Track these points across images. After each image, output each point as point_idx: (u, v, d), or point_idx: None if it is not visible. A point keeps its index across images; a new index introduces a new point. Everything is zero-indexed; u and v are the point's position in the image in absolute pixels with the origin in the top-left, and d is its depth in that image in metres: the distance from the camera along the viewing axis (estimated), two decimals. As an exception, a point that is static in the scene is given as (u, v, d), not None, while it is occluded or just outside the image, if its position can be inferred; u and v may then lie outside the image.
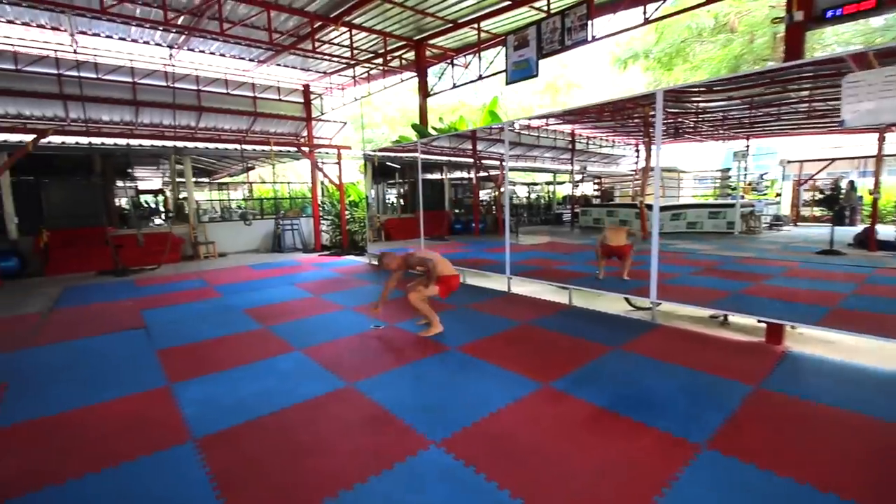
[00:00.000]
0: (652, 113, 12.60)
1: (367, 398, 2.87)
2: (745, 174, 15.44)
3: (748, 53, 13.33)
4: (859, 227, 11.57)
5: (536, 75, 6.45)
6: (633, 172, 20.11)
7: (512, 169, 16.85)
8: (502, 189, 16.01)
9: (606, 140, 18.54)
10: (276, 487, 2.03)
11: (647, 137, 12.58)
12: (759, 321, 4.09)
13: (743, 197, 13.90)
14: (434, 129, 11.13)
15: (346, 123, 13.65)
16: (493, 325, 4.41)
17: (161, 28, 8.06)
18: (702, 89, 7.90)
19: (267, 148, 10.87)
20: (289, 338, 4.16)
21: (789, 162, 17.66)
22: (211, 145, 10.76)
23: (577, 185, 18.92)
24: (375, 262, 8.77)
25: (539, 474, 2.07)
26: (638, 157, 19.88)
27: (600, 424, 2.51)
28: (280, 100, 12.02)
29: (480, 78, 9.39)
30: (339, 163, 11.04)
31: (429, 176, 15.26)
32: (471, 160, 14.36)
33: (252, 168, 16.84)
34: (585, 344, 3.83)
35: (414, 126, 10.41)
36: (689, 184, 20.24)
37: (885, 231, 9.69)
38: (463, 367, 3.37)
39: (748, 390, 2.89)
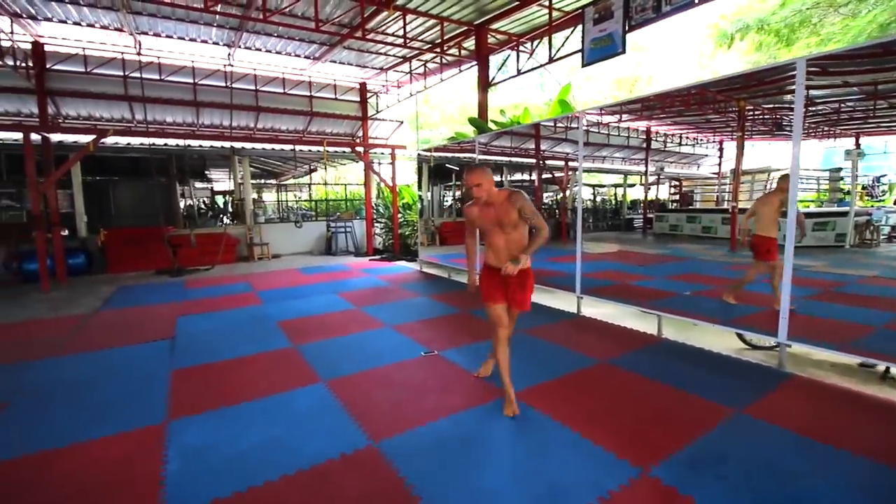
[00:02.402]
0: (749, 106, 10.93)
1: (392, 470, 2.13)
2: (858, 177, 13.14)
3: None
4: None
5: (623, 52, 5.42)
6: (716, 175, 18.05)
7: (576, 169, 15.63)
8: (567, 191, 14.83)
9: (687, 138, 16.72)
10: None
11: (741, 132, 10.93)
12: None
13: (851, 203, 11.76)
14: (494, 122, 10.30)
15: (401, 122, 13.19)
16: (562, 362, 3.52)
17: (214, 25, 7.95)
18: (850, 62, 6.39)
19: (322, 149, 10.62)
20: (316, 363, 3.54)
21: (912, 162, 14.92)
22: (267, 146, 10.68)
23: (650, 188, 17.23)
24: (426, 270, 8.12)
25: None
26: (721, 156, 17.81)
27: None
28: (336, 99, 11.78)
29: (551, 61, 8.40)
30: (392, 163, 10.54)
31: (487, 177, 14.46)
32: (533, 160, 13.37)
33: (315, 170, 16.96)
34: (692, 400, 2.85)
35: (471, 120, 9.64)
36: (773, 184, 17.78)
37: None
38: (523, 428, 2.54)
39: (985, 512, 1.81)
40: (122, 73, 9.03)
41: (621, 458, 2.21)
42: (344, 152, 11.65)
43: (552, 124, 12.66)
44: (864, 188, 14.17)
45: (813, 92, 9.51)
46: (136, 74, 9.25)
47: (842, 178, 13.70)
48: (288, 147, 10.51)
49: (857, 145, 13.24)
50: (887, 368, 3.37)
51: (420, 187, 10.83)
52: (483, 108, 9.29)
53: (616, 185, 19.30)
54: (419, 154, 9.94)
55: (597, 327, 4.55)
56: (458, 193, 14.14)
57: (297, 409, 2.79)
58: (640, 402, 2.83)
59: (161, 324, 4.80)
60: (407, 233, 11.19)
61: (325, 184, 17.99)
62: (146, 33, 8.26)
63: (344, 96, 11.96)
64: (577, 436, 2.43)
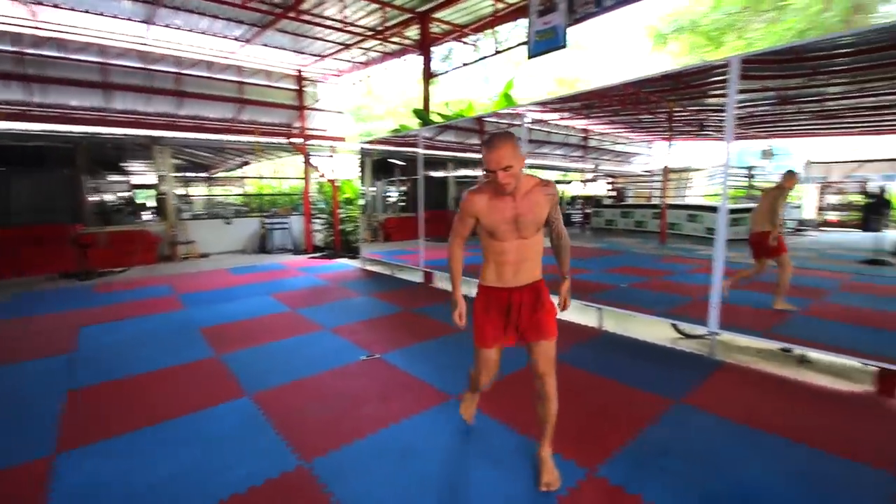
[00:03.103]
0: (677, 108, 11.56)
1: (324, 494, 1.91)
2: (771, 175, 14.43)
3: (814, 29, 12.02)
4: (888, 233, 10.58)
5: (565, 46, 5.45)
6: (647, 172, 19.10)
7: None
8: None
9: (620, 137, 17.52)
10: None
11: (670, 132, 11.57)
12: (865, 364, 3.10)
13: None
14: (439, 115, 10.14)
15: (342, 113, 12.68)
16: (508, 360, 3.44)
17: None
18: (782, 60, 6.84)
19: (254, 139, 9.94)
20: (242, 374, 3.20)
21: (814, 163, 16.62)
22: (192, 135, 9.82)
23: (587, 185, 17.91)
24: (369, 268, 7.83)
25: None
26: (651, 155, 18.88)
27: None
28: (270, 86, 11.05)
29: (497, 53, 8.36)
30: (332, 156, 10.09)
31: (432, 173, 14.32)
32: (478, 156, 13.39)
33: (248, 163, 15.92)
34: (634, 394, 2.86)
35: (416, 112, 9.42)
36: (699, 183, 19.17)
37: (940, 239, 8.67)
38: (468, 434, 2.41)
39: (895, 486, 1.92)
40: (13, 49, 7.86)
41: (568, 460, 2.14)
42: (280, 144, 10.99)
43: (496, 120, 12.73)
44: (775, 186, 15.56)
45: (725, 100, 10.23)
46: (33, 51, 8.10)
47: (753, 176, 14.94)
48: (216, 137, 9.74)
49: (770, 147, 14.50)
50: (803, 354, 3.61)
51: (363, 182, 10.47)
52: (427, 100, 9.10)
53: (556, 182, 19.91)
54: (362, 147, 9.57)
55: (541, 322, 4.53)
56: (403, 188, 13.88)
57: (217, 430, 2.47)
58: (584, 398, 2.80)
59: (60, 335, 4.18)
60: (349, 229, 10.80)
61: (261, 177, 16.99)
62: (43, 3, 7.23)
63: (279, 84, 11.26)
64: (523, 439, 2.34)
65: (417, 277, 6.93)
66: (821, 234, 13.27)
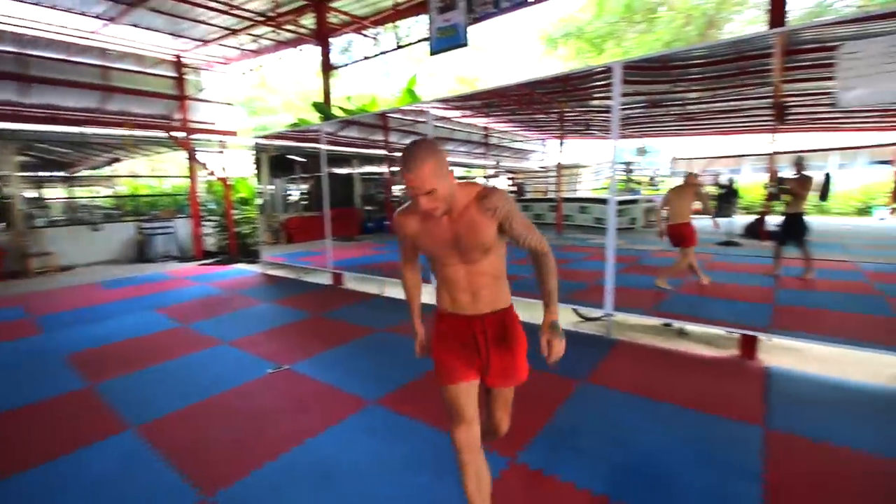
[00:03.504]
0: (567, 108, 12.48)
1: (235, 528, 1.72)
2: (644, 170, 16.32)
3: (679, 41, 13.63)
4: (738, 219, 12.62)
5: (465, 44, 5.53)
6: (543, 168, 20.48)
7: (426, 162, 16.00)
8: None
9: (518, 135, 18.51)
10: None
11: (561, 131, 12.48)
12: (730, 332, 3.62)
13: (641, 193, 14.56)
14: (341, 109, 9.77)
15: (232, 105, 11.64)
16: (426, 359, 3.42)
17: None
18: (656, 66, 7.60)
19: (126, 132, 8.72)
20: (122, 405, 2.78)
21: (678, 159, 19.15)
22: (44, 127, 8.31)
23: (490, 181, 18.69)
24: (270, 272, 7.32)
25: None
26: (545, 152, 20.25)
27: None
28: (144, 72, 9.73)
29: (399, 47, 8.25)
30: (222, 152, 9.23)
31: (336, 170, 13.83)
32: (383, 152, 13.18)
33: (118, 159, 13.91)
34: (544, 378, 3.00)
35: (316, 105, 8.97)
36: (587, 178, 21.08)
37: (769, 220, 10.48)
38: (392, 439, 2.34)
39: (761, 434, 2.26)
40: None
41: (491, 452, 2.18)
42: (157, 138, 9.77)
43: (400, 116, 12.66)
44: (649, 179, 17.58)
45: (608, 102, 11.34)
46: None
47: (632, 171, 16.77)
48: (75, 129, 8.35)
49: (642, 145, 16.35)
50: (682, 326, 4.11)
51: (259, 180, 9.72)
52: (328, 94, 8.70)
53: (461, 178, 20.43)
54: (256, 142, 8.87)
55: (454, 317, 4.59)
56: (305, 186, 13.19)
57: (94, 472, 2.11)
58: (501, 388, 2.89)
59: None
60: (246, 231, 9.98)
61: (136, 176, 14.97)
62: None
63: (155, 70, 9.96)
64: (445, 435, 2.33)
65: (326, 279, 6.64)
66: (685, 220, 15.29)
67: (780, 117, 9.61)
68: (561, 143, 12.46)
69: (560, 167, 12.74)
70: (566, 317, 4.48)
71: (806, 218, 5.50)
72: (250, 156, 14.40)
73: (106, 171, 14.50)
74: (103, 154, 12.64)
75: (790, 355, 3.37)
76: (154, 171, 18.52)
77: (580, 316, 4.46)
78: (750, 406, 2.57)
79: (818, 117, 11.75)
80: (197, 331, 4.27)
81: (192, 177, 9.38)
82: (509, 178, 19.24)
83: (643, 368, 3.15)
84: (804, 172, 5.48)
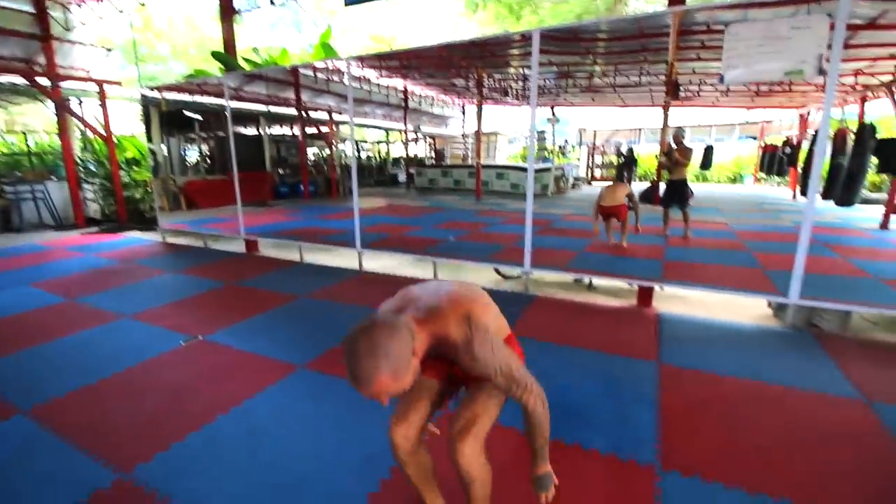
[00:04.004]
0: (485, 74, 12.51)
1: (158, 501, 1.63)
2: (555, 139, 17.16)
3: (589, 13, 14.11)
4: (636, 185, 13.94)
5: (382, -4, 5.29)
6: (462, 135, 20.60)
7: (343, 123, 15.29)
8: (334, 147, 14.40)
9: (438, 100, 18.32)
10: None
11: (480, 96, 12.58)
12: (630, 284, 4.06)
13: (552, 160, 15.37)
14: (246, 61, 8.90)
15: (111, 50, 10.02)
16: (352, 321, 3.40)
17: None
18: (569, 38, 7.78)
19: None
20: (7, 389, 2.43)
21: (584, 130, 20.37)
22: None
23: (410, 145, 18.43)
24: (172, 241, 6.68)
25: None
26: (464, 118, 20.35)
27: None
28: (-13, 3, 7.98)
29: None
30: (103, 104, 8.01)
31: (243, 130, 12.70)
32: (294, 112, 12.33)
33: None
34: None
35: (216, 55, 8.06)
36: (504, 146, 21.73)
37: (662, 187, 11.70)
38: (325, 397, 2.33)
39: (655, 368, 2.61)
40: None
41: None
42: (15, 85, 8.20)
43: (312, 73, 11.84)
44: (559, 148, 18.53)
45: (525, 70, 11.66)
46: None
47: (545, 139, 17.54)
48: None
49: (553, 114, 17.09)
50: (590, 281, 4.52)
51: (150, 138, 8.63)
52: (230, 43, 7.82)
53: (379, 142, 19.86)
54: (144, 94, 7.80)
55: (380, 280, 4.60)
56: (206, 147, 11.97)
57: (-23, 463, 1.85)
58: (430, 344, 2.99)
59: None
60: (138, 196, 8.90)
61: (-14, 131, 12.47)
62: None
63: (7, 2, 8.19)
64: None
65: (238, 247, 6.21)
66: (590, 187, 16.47)
67: (674, 93, 10.56)
68: (479, 110, 12.58)
69: (479, 134, 12.89)
70: (488, 276, 4.70)
71: (687, 184, 6.23)
72: (137, 110, 12.69)
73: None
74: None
75: (678, 302, 3.88)
76: (9, 125, 15.59)
77: (500, 275, 4.70)
78: (646, 346, 2.94)
79: (704, 95, 13.09)
80: (88, 305, 3.81)
81: (63, 132, 8.04)
82: (429, 144, 19.15)
83: (557, 319, 3.44)
84: (684, 143, 6.16)
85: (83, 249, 6.18)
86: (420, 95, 17.11)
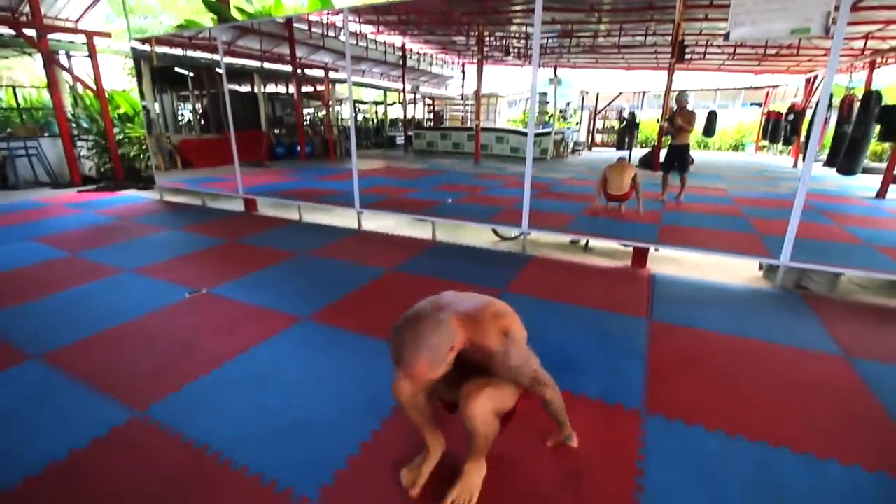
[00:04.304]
0: (486, 32, 12.11)
1: (171, 437, 1.74)
2: (556, 102, 16.79)
3: None
4: (637, 151, 13.78)
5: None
6: (461, 96, 20.10)
7: (339, 81, 14.90)
8: (331, 108, 14.08)
9: (437, 58, 17.78)
10: None
11: (481, 55, 12.21)
12: (624, 245, 4.12)
13: (552, 125, 15.09)
14: (240, 11, 8.59)
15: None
16: (354, 277, 3.48)
17: None
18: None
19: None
20: (16, 336, 2.51)
21: (586, 93, 19.88)
22: None
23: (409, 106, 18.01)
24: (170, 199, 6.66)
25: None
26: (464, 78, 19.81)
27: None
28: (-36, -54, 7.58)
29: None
30: (93, 57, 7.76)
31: (237, 87, 12.37)
32: (290, 69, 11.97)
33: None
34: (466, 289, 3.24)
35: (208, 4, 7.78)
36: (504, 108, 21.24)
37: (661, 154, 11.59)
38: (326, 346, 2.42)
39: (646, 325, 2.71)
40: None
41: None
42: (1, 36, 7.93)
43: (307, 27, 11.43)
44: (560, 112, 18.17)
45: (528, 29, 11.27)
46: None
47: (547, 103, 17.18)
48: None
49: (556, 75, 16.65)
50: (587, 242, 4.58)
51: (142, 95, 8.42)
52: (221, -7, 7.56)
53: (376, 103, 19.42)
54: (134, 47, 7.55)
55: (379, 240, 4.64)
56: (200, 105, 11.70)
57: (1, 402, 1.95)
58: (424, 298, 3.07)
59: None
60: (133, 153, 8.78)
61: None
62: None
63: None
64: (379, 342, 2.47)
65: (237, 206, 6.21)
66: (590, 152, 16.31)
67: (679, 55, 10.27)
68: (479, 69, 12.24)
69: (478, 94, 12.59)
70: (485, 236, 4.75)
71: (689, 149, 6.19)
72: (127, 65, 12.31)
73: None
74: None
75: (672, 264, 3.96)
76: (-4, 78, 15.15)
77: (498, 235, 4.75)
78: (639, 304, 3.03)
79: (710, 58, 12.74)
80: (90, 259, 3.85)
81: (53, 87, 7.83)
82: (427, 106, 18.74)
83: (553, 278, 3.51)
84: (687, 107, 6.07)
85: (82, 206, 6.17)
86: (419, 53, 16.59)
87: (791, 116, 11.10)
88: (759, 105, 16.88)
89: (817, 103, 3.09)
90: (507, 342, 1.30)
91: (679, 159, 6.14)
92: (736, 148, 18.03)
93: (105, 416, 1.85)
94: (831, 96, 8.75)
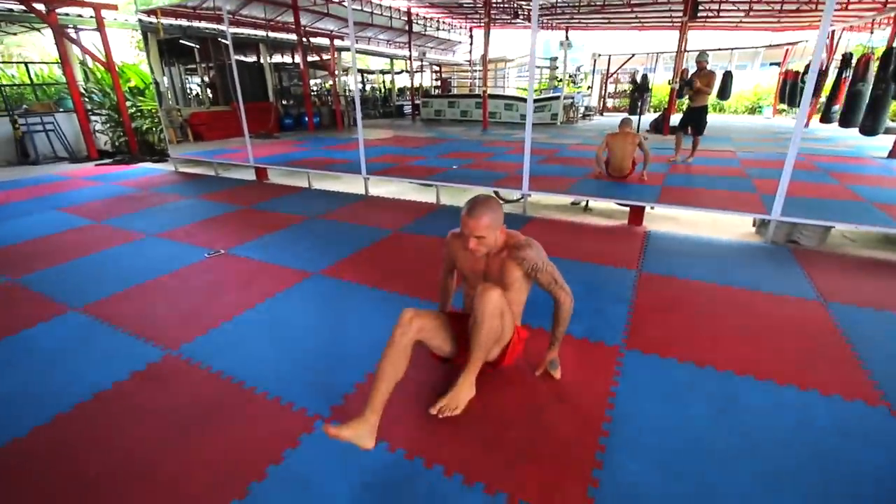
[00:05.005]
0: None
1: (202, 369, 1.98)
2: (566, 66, 16.39)
3: None
4: (649, 116, 13.53)
5: None
6: (468, 62, 19.71)
7: (345, 49, 14.74)
8: (337, 78, 13.99)
9: (443, 22, 17.39)
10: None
11: (488, 18, 11.95)
12: (620, 204, 4.22)
13: (562, 89, 14.79)
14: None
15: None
16: (361, 237, 3.67)
17: None
18: None
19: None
20: (56, 292, 2.77)
21: (598, 56, 19.32)
22: None
23: (416, 74, 17.77)
24: (185, 170, 6.88)
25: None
26: (472, 43, 19.38)
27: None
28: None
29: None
30: (101, 30, 7.85)
31: (243, 58, 12.36)
32: (295, 37, 11.89)
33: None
34: (469, 248, 3.41)
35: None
36: (513, 73, 20.78)
37: (673, 118, 11.41)
38: (336, 297, 2.64)
39: (635, 275, 2.87)
40: None
41: (412, 298, 2.57)
42: (11, 11, 8.05)
43: (310, -5, 11.29)
44: (570, 76, 17.76)
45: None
46: None
47: (557, 68, 16.80)
48: None
49: (567, 38, 16.19)
50: (587, 203, 4.69)
51: (151, 68, 8.53)
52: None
53: (383, 72, 19.18)
54: (140, 19, 7.62)
55: (386, 204, 4.81)
56: (207, 78, 11.76)
57: (47, 345, 2.20)
58: (428, 255, 3.26)
59: None
60: (146, 126, 8.97)
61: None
62: None
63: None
64: (385, 292, 2.67)
65: (248, 175, 6.40)
66: (601, 118, 16.03)
67: (691, 12, 9.95)
68: (486, 33, 12.01)
69: (486, 60, 12.39)
70: (489, 201, 4.88)
71: (707, 112, 6.12)
72: (135, 37, 12.33)
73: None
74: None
75: (670, 223, 4.07)
76: (7, 57, 15.32)
77: (501, 198, 4.87)
78: (630, 258, 3.18)
79: (725, 15, 12.27)
80: (115, 226, 4.10)
81: (65, 62, 7.98)
82: (434, 73, 18.45)
83: (551, 236, 3.66)
84: (707, 68, 5.97)
85: (100, 179, 6.42)
86: (425, 18, 16.25)
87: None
88: (779, 65, 16.28)
89: (842, 60, 3.10)
90: (534, 245, 1.71)
91: (695, 122, 6.09)
92: (752, 111, 17.53)
93: (141, 354, 2.10)
94: (851, 55, 8.50)
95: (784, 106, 14.12)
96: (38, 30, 9.72)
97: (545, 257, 1.73)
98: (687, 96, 6.14)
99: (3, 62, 12.83)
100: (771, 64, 18.87)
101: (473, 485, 1.38)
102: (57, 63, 8.62)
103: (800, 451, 1.50)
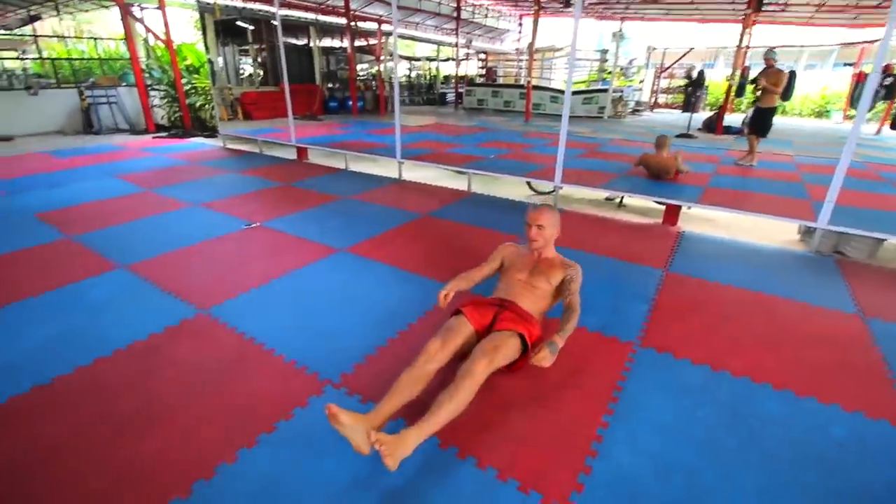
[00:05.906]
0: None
1: (228, 329, 2.11)
2: (618, 59, 15.80)
3: None
4: (703, 114, 12.88)
5: None
6: (516, 51, 19.38)
7: (391, 35, 14.82)
8: (382, 65, 14.13)
9: (493, 10, 17.16)
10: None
11: (538, 5, 11.69)
12: (657, 202, 4.09)
13: (610, 82, 14.29)
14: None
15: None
16: (389, 218, 3.75)
17: None
18: None
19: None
20: (106, 251, 3.00)
21: (653, 49, 18.49)
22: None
23: (461, 63, 17.65)
24: (232, 146, 7.19)
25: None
26: (521, 32, 19.01)
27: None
28: None
29: None
30: (162, 8, 8.26)
31: (293, 41, 12.69)
32: (343, 21, 12.08)
33: (38, 17, 12.14)
34: (493, 234, 3.43)
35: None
36: (561, 63, 20.21)
37: (728, 118, 10.83)
38: (358, 272, 2.73)
39: (661, 275, 2.80)
40: None
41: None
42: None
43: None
44: (621, 69, 17.14)
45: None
46: None
47: (607, 60, 16.24)
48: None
49: (620, 29, 15.59)
50: (622, 199, 4.57)
51: (207, 48, 8.92)
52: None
53: (429, 59, 19.16)
54: (199, 0, 7.97)
55: (418, 188, 4.87)
56: (259, 58, 12.16)
57: (95, 297, 2.41)
58: (453, 240, 3.29)
59: None
60: (199, 103, 9.41)
61: (61, 37, 13.21)
62: None
63: None
64: (406, 272, 2.74)
65: (290, 154, 6.62)
66: (651, 114, 15.41)
67: (757, 4, 9.34)
68: (535, 21, 11.76)
69: (532, 48, 12.15)
70: (521, 190, 4.85)
71: (774, 113, 5.79)
72: (193, 18, 12.88)
73: (25, 30, 12.74)
74: (19, 10, 11.04)
75: (707, 224, 3.92)
76: (78, 32, 16.35)
77: (533, 189, 4.84)
78: (660, 257, 3.10)
79: (794, 10, 11.45)
80: (164, 195, 4.37)
81: (129, 39, 8.47)
82: (480, 61, 18.26)
83: (581, 230, 3.61)
84: (776, 66, 5.63)
85: (155, 150, 6.82)
86: (474, 4, 16.07)
87: (889, 80, 9.80)
88: (852, 65, 15.05)
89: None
90: (578, 268, 2.06)
91: (759, 123, 5.81)
92: (819, 115, 16.33)
93: (176, 311, 2.26)
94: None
95: (855, 111, 13.11)
96: (106, 7, 10.34)
97: (581, 280, 2.02)
98: (753, 94, 5.84)
99: (74, 37, 13.74)
100: (845, 64, 17.46)
101: (466, 458, 1.42)
102: (122, 40, 9.15)
103: (809, 463, 1.45)
